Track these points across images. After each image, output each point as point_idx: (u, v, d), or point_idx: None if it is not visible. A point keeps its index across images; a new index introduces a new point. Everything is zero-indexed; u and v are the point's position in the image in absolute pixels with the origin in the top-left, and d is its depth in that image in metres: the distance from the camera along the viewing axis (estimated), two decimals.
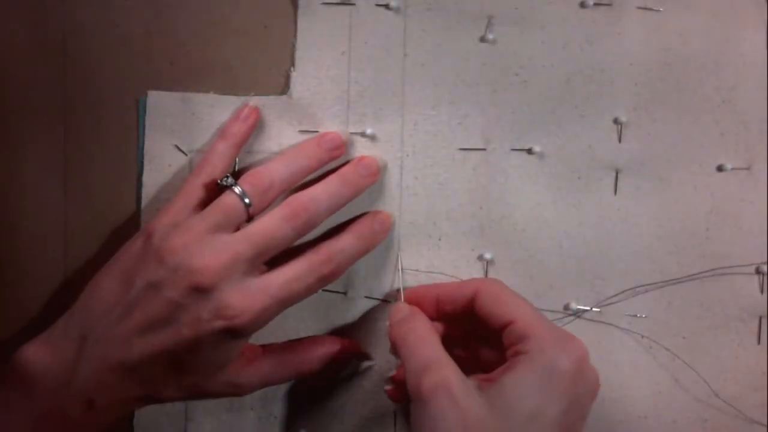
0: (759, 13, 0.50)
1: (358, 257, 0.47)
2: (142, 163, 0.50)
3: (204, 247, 0.43)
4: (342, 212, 0.48)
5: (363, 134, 0.49)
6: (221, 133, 0.48)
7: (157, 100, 0.49)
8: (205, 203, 0.46)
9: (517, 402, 0.40)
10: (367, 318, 0.51)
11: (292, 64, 0.49)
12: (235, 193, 0.45)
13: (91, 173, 0.50)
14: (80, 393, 0.43)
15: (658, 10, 0.49)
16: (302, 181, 0.47)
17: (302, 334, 0.50)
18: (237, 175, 0.48)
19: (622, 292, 0.50)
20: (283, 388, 0.51)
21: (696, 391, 0.51)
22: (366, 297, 0.51)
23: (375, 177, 0.49)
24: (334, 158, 0.48)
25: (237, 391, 0.47)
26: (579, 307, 0.50)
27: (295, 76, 0.49)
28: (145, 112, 0.49)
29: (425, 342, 0.43)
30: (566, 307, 0.51)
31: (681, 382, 0.51)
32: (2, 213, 0.50)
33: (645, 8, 0.49)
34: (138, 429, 0.51)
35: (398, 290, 0.49)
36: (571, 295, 0.51)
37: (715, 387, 0.51)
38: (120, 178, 0.50)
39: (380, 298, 0.51)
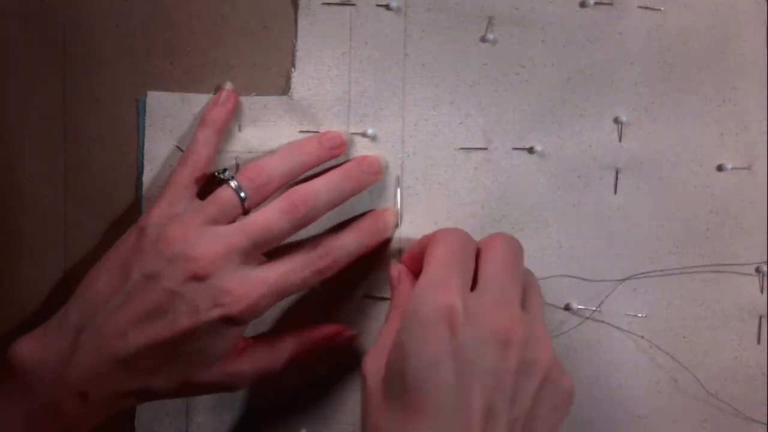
0: (759, 13, 0.50)
1: (358, 254, 0.47)
2: (142, 163, 0.49)
3: (200, 237, 0.43)
4: (343, 211, 0.48)
5: (364, 134, 0.49)
6: (201, 120, 0.48)
7: (156, 100, 0.49)
8: (195, 193, 0.46)
9: (390, 367, 0.40)
10: (368, 318, 0.51)
11: (293, 65, 0.49)
12: (231, 188, 0.45)
13: (91, 173, 0.50)
14: (74, 386, 0.43)
15: (659, 10, 0.49)
16: (300, 178, 0.47)
17: None
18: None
19: (622, 280, 0.50)
20: (283, 388, 0.51)
21: (696, 390, 0.51)
22: (366, 297, 0.51)
23: (377, 176, 0.49)
24: (333, 157, 0.48)
25: (230, 382, 0.46)
26: (579, 306, 0.50)
27: (296, 77, 0.49)
28: (144, 112, 0.49)
29: (385, 323, 0.44)
30: (566, 307, 0.51)
31: (680, 381, 0.51)
32: (2, 213, 0.50)
33: (646, 7, 0.49)
34: (139, 429, 0.51)
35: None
36: (571, 295, 0.50)
37: (715, 386, 0.51)
38: (120, 178, 0.50)
39: (380, 297, 0.51)
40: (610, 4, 0.49)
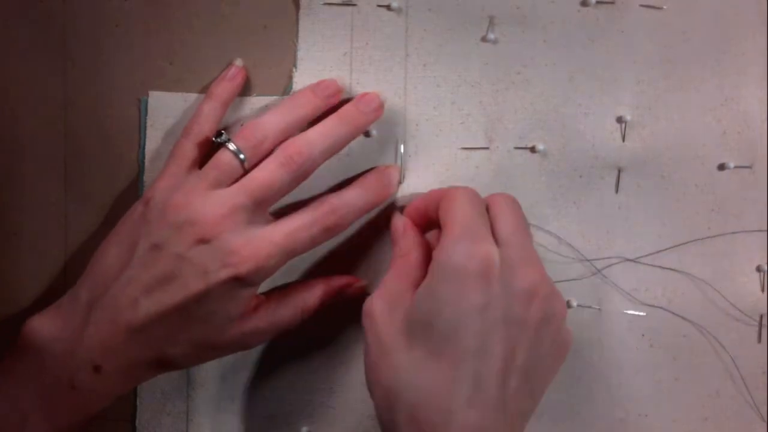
0: (760, 12, 0.49)
1: (364, 211, 0.47)
2: (142, 163, 0.49)
3: (203, 202, 0.44)
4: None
5: (366, 134, 0.49)
6: (207, 93, 0.48)
7: (158, 100, 0.49)
8: (197, 163, 0.46)
9: (417, 312, 0.41)
10: None
11: (294, 65, 0.49)
12: (230, 150, 0.45)
13: (91, 173, 0.50)
14: (87, 359, 0.44)
15: (661, 8, 0.49)
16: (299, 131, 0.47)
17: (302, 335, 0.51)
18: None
19: (615, 257, 0.50)
20: (284, 388, 0.51)
21: (696, 389, 0.51)
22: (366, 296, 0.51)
23: (376, 113, 0.48)
24: (330, 106, 0.48)
25: (247, 342, 0.47)
26: (580, 305, 0.50)
27: (297, 77, 0.49)
28: (146, 112, 0.49)
29: (390, 270, 0.45)
30: (567, 305, 0.50)
31: (681, 380, 0.51)
32: (2, 213, 0.50)
33: (647, 6, 0.49)
34: (140, 429, 0.51)
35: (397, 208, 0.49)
36: (571, 294, 0.50)
37: (715, 386, 0.51)
38: (120, 178, 0.50)
39: None
40: (612, 2, 0.49)
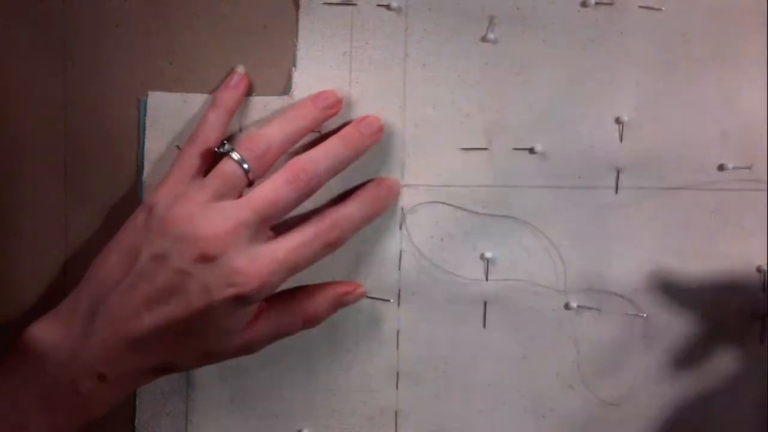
0: (759, 13, 0.49)
1: (364, 223, 0.47)
2: (142, 163, 0.49)
3: (208, 215, 0.43)
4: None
5: None
6: (212, 101, 0.48)
7: (157, 100, 0.49)
8: (201, 171, 0.46)
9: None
10: (367, 318, 0.51)
11: (294, 64, 0.49)
12: (234, 160, 0.45)
13: (91, 173, 0.50)
14: (90, 367, 0.44)
15: (660, 9, 0.49)
16: (300, 142, 0.47)
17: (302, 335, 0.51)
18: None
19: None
20: (283, 388, 0.51)
21: (698, 390, 0.51)
22: (366, 297, 0.51)
23: (377, 136, 0.48)
24: (329, 117, 0.48)
25: (249, 349, 0.47)
26: (580, 306, 0.50)
27: (297, 76, 0.49)
28: (146, 112, 0.49)
29: None
30: (567, 307, 0.51)
31: (683, 381, 0.51)
32: (2, 213, 0.50)
33: (647, 7, 0.49)
34: (139, 429, 0.51)
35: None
36: (571, 295, 0.50)
37: (717, 386, 0.51)
38: (120, 178, 0.50)
39: (380, 297, 0.51)
40: (611, 4, 0.49)
